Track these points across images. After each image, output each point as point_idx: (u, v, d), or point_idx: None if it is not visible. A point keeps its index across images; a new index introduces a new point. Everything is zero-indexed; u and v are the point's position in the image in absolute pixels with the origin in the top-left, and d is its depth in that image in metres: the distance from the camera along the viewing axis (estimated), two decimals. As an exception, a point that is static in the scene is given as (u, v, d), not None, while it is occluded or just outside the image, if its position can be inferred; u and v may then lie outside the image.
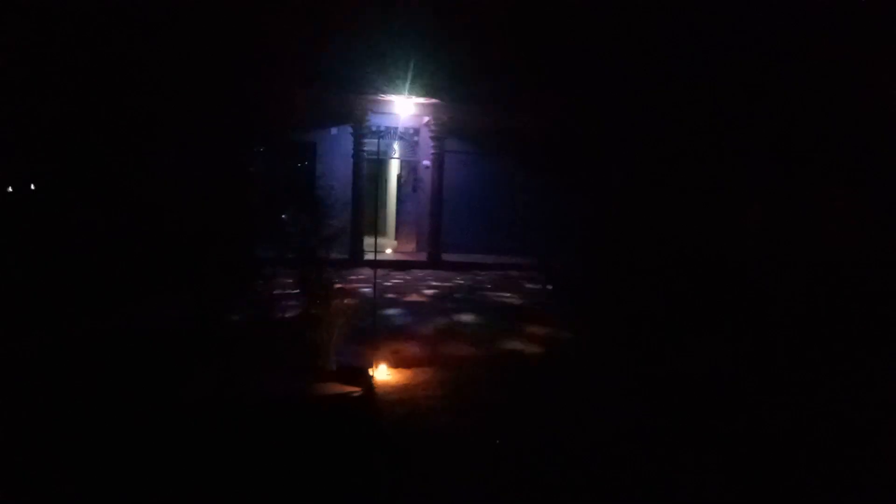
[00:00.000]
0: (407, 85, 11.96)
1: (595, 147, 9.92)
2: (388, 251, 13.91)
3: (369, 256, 12.92)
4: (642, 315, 5.18)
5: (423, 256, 12.90)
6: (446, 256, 12.59)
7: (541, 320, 6.99)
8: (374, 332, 6.26)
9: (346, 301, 5.25)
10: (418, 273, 11.32)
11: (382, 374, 4.91)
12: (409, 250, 13.62)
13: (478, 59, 11.70)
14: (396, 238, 14.58)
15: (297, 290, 5.41)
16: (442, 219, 12.82)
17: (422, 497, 3.03)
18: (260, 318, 5.23)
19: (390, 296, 8.55)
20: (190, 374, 4.62)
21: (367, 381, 4.73)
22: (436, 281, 10.28)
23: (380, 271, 11.37)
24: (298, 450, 3.51)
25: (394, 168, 15.67)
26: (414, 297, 8.59)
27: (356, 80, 11.93)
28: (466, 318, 7.27)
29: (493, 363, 5.50)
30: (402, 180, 14.36)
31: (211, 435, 3.66)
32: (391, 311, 7.44)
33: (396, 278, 10.48)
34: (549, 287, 7.82)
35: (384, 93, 12.13)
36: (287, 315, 5.46)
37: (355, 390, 4.60)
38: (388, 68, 11.96)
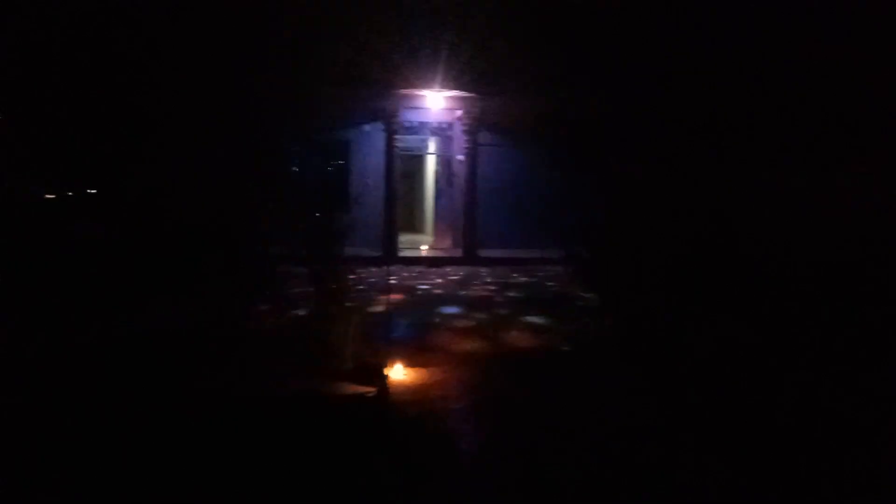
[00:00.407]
0: (437, 79, 11.78)
1: (618, 136, 9.56)
2: (424, 247, 13.78)
3: (407, 253, 12.83)
4: (656, 307, 4.90)
5: (459, 252, 12.70)
6: (483, 252, 12.37)
7: (562, 315, 6.74)
8: (393, 330, 6.12)
9: (360, 298, 5.11)
10: (449, 270, 11.12)
11: (398, 373, 4.75)
12: (446, 246, 13.45)
13: (508, 50, 11.43)
14: (434, 234, 14.43)
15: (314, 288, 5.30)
16: (476, 214, 12.60)
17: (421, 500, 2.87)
18: (277, 316, 5.15)
19: (419, 293, 8.39)
20: (203, 373, 4.55)
21: (382, 380, 4.57)
22: (463, 278, 10.08)
23: (413, 268, 11.25)
24: (305, 451, 3.40)
25: (430, 164, 15.53)
26: (440, 294, 8.42)
27: (386, 76, 11.82)
28: (481, 315, 7.06)
29: (510, 359, 5.29)
30: (437, 176, 14.20)
31: (221, 433, 3.57)
32: (415, 309, 7.27)
33: (428, 275, 10.32)
34: (574, 279, 7.57)
35: (415, 88, 11.99)
36: (303, 313, 5.36)
37: (370, 390, 4.45)
38: (418, 63, 11.82)
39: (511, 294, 8.48)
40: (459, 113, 12.71)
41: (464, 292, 8.52)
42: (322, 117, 12.36)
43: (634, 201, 5.80)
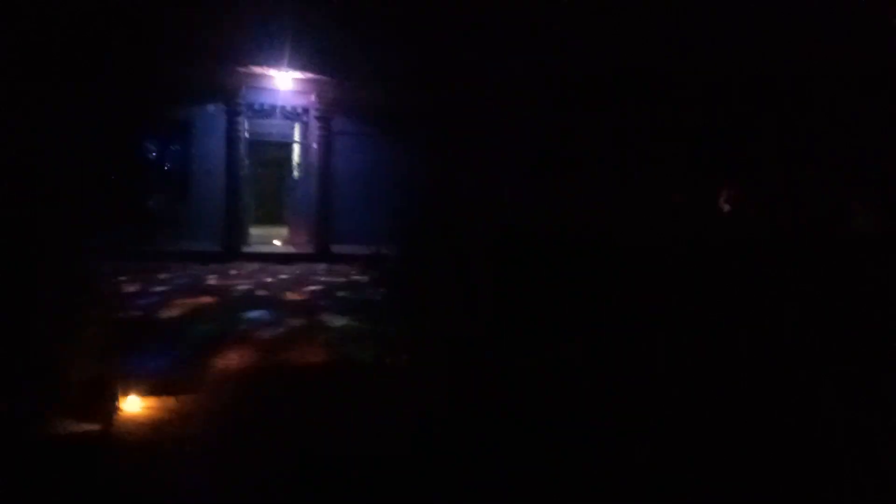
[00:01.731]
0: (285, 57, 10.75)
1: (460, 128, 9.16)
2: (277, 242, 12.70)
3: (255, 249, 11.73)
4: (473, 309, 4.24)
5: (311, 248, 11.74)
6: (336, 248, 11.46)
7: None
8: (164, 344, 5.14)
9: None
10: (289, 268, 10.14)
11: (135, 404, 3.79)
12: (301, 241, 12.42)
13: (361, 33, 10.58)
14: (289, 228, 13.34)
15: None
16: (330, 207, 11.69)
17: None
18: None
19: (233, 295, 7.39)
20: None
21: (109, 415, 3.61)
22: (296, 277, 9.16)
23: (251, 265, 10.20)
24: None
25: (285, 151, 14.39)
26: (259, 295, 7.46)
27: (229, 51, 10.66)
28: (291, 321, 6.19)
29: (276, 376, 4.48)
30: (293, 164, 13.14)
31: None
32: (214, 315, 6.28)
33: (260, 274, 9.30)
34: (374, 279, 6.90)
35: (261, 66, 10.90)
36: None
37: (93, 428, 3.48)
38: (264, 39, 10.73)
39: (341, 295, 7.66)
40: (313, 97, 11.74)
41: (287, 294, 7.59)
42: (156, 92, 11.00)
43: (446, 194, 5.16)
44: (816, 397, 3.21)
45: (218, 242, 11.04)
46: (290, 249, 11.95)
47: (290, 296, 7.54)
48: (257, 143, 14.01)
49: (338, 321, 6.19)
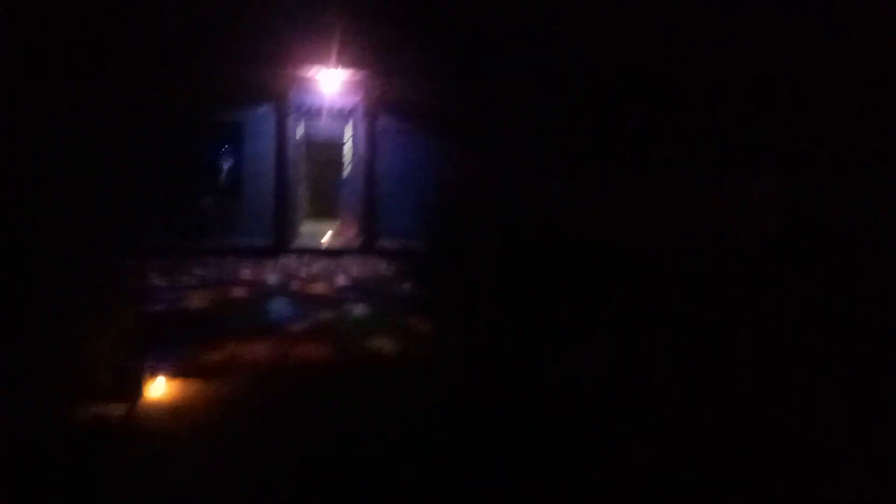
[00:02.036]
0: (332, 57, 11.01)
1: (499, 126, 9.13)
2: (326, 238, 13.04)
3: (304, 244, 12.10)
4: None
5: (359, 243, 12.01)
6: (385, 243, 11.68)
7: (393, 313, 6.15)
8: (193, 333, 5.40)
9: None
10: (334, 262, 10.40)
11: (161, 388, 4.04)
12: (350, 236, 12.73)
13: (409, 30, 10.73)
14: (339, 224, 13.70)
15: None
16: (377, 203, 11.92)
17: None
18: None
19: (266, 289, 7.65)
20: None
21: (135, 398, 3.87)
22: (333, 270, 9.39)
23: (298, 260, 10.53)
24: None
25: (337, 151, 14.75)
26: (291, 289, 7.71)
27: (277, 53, 11.02)
28: (319, 315, 6.39)
29: (294, 367, 4.65)
30: (342, 162, 13.46)
31: None
32: (243, 307, 6.54)
33: (300, 268, 9.59)
34: (404, 273, 7.00)
35: (309, 66, 11.21)
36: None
37: (117, 413, 3.75)
38: (311, 39, 11.03)
39: (372, 288, 7.83)
40: (360, 96, 11.98)
41: (319, 288, 7.82)
42: (210, 96, 11.49)
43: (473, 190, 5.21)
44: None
45: (268, 239, 11.44)
46: (339, 244, 12.26)
47: (320, 288, 7.76)
48: (310, 144, 14.43)
49: (363, 312, 6.37)
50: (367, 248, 11.63)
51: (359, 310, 6.55)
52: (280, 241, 11.32)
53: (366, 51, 11.04)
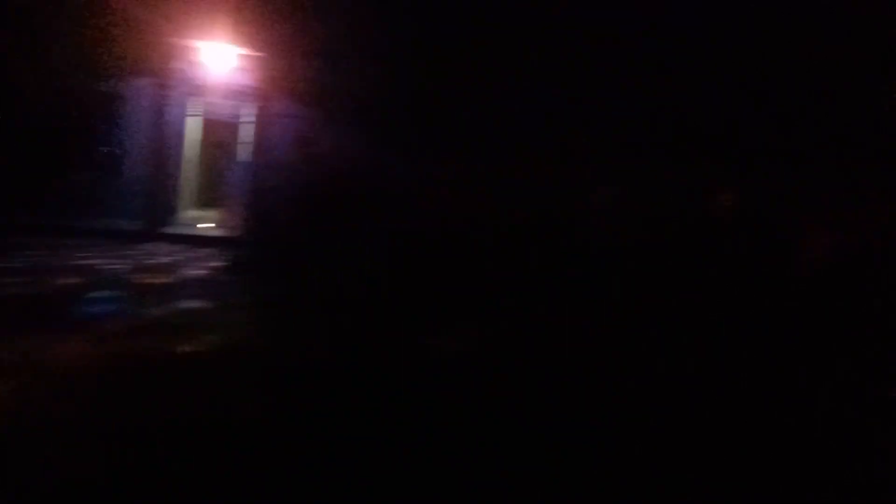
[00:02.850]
0: (222, 32, 10.32)
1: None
2: (208, 224, 12.27)
3: (180, 230, 11.32)
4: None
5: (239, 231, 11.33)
6: (268, 233, 11.07)
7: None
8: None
9: None
10: (202, 252, 9.71)
11: None
12: (235, 224, 12.00)
13: (292, 12, 10.15)
14: (226, 210, 12.93)
15: None
16: (263, 189, 11.27)
17: None
18: None
19: (100, 277, 6.94)
20: None
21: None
22: (186, 259, 8.71)
23: (167, 247, 9.80)
24: None
25: (232, 132, 13.97)
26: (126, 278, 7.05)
27: (159, 22, 10.22)
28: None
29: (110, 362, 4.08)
30: (228, 143, 12.74)
31: None
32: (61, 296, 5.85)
33: (160, 256, 8.89)
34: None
35: (192, 39, 10.47)
36: None
37: None
38: (202, 11, 10.30)
39: (214, 279, 7.28)
40: (249, 75, 11.31)
41: (166, 279, 7.18)
42: (85, 62, 10.55)
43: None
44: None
45: (140, 222, 10.64)
46: (218, 232, 11.53)
47: (167, 279, 7.12)
48: (208, 126, 13.57)
49: (200, 306, 5.82)
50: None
51: (196, 304, 5.97)
52: (152, 226, 10.53)
53: (258, 30, 10.41)
